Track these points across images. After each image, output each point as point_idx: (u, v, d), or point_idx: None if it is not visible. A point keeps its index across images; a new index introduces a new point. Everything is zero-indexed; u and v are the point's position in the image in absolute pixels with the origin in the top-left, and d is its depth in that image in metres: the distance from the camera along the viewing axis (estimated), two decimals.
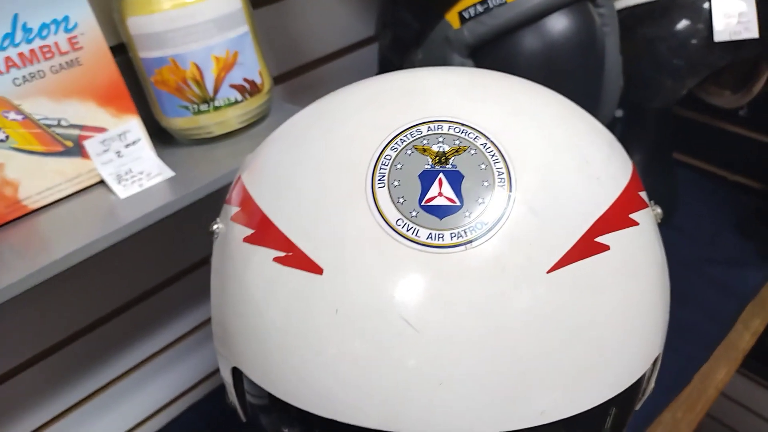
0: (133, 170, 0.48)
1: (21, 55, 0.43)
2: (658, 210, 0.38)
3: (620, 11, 0.74)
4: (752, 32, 0.68)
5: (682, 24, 0.71)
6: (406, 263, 0.28)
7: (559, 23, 0.58)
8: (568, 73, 0.60)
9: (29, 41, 0.43)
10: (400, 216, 0.29)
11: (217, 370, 0.80)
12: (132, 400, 0.72)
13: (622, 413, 0.36)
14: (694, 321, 0.83)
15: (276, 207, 0.32)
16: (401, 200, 0.29)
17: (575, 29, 0.59)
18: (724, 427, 1.35)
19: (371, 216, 0.29)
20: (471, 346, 0.27)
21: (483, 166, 0.29)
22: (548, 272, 0.28)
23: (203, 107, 0.49)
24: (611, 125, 0.71)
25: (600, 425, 0.35)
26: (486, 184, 0.29)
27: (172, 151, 0.52)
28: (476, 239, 0.28)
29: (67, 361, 0.64)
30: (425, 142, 0.30)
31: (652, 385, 0.39)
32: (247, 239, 0.33)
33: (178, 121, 0.50)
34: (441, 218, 0.28)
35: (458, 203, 0.29)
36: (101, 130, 0.48)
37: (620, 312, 0.30)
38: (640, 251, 0.32)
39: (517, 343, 0.28)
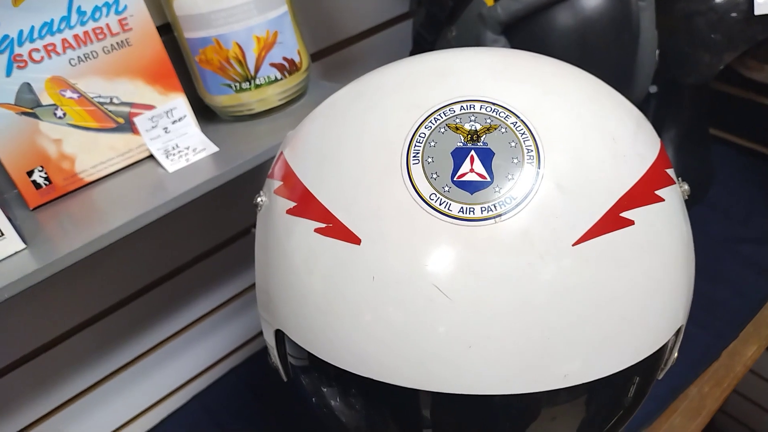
0: (179, 145, 0.51)
1: (76, 36, 0.46)
2: (686, 187, 0.39)
3: None
4: None
5: None
6: (439, 235, 0.30)
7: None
8: (601, 50, 0.60)
9: (83, 24, 0.46)
10: (433, 191, 0.30)
11: (255, 336, 0.84)
12: (177, 362, 0.76)
13: (644, 382, 0.38)
14: (724, 298, 0.83)
15: (317, 181, 0.34)
16: (435, 176, 0.31)
17: (610, 5, 0.59)
18: (750, 404, 1.35)
19: (406, 191, 0.31)
20: (498, 314, 0.29)
21: (513, 144, 0.31)
22: (574, 245, 0.30)
23: (245, 85, 0.51)
24: (645, 101, 0.71)
25: (623, 392, 0.36)
26: (516, 161, 0.31)
27: (215, 127, 0.54)
28: (505, 213, 0.30)
29: (118, 324, 0.68)
30: (458, 120, 0.32)
31: (675, 355, 0.41)
32: (290, 211, 0.35)
33: (221, 99, 0.53)
34: (472, 193, 0.30)
35: (489, 179, 0.30)
36: (150, 107, 0.50)
37: (643, 285, 0.32)
38: (664, 227, 0.33)
39: (541, 311, 0.30)
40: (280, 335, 0.38)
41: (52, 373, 0.65)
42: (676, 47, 0.74)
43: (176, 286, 0.71)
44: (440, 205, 0.30)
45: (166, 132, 0.51)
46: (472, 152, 0.31)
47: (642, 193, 0.32)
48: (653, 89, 0.73)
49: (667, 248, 0.33)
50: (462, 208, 0.30)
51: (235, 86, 0.51)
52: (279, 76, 0.52)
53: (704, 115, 0.97)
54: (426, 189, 0.30)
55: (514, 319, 0.29)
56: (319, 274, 0.33)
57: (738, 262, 0.88)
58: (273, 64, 0.51)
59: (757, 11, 0.68)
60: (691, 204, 0.92)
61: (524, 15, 0.58)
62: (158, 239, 0.66)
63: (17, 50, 0.44)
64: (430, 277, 0.30)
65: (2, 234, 0.41)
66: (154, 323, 0.71)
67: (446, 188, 0.30)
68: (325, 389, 0.38)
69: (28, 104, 0.45)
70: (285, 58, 0.52)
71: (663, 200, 0.34)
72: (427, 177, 0.31)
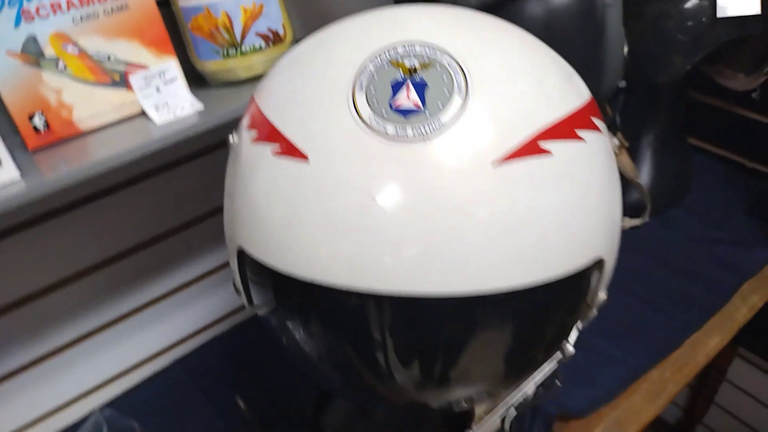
0: (169, 104, 0.55)
1: None
2: (616, 141, 0.43)
3: None
4: (754, 8, 0.72)
5: (688, 1, 0.75)
6: (375, 151, 0.34)
7: None
8: (567, 40, 0.65)
9: None
10: (372, 114, 0.35)
11: (239, 308, 0.88)
12: (162, 326, 0.80)
13: (564, 309, 0.41)
14: (693, 293, 0.86)
15: (276, 112, 0.38)
16: (375, 102, 0.35)
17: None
18: (732, 419, 1.36)
19: (350, 114, 0.35)
20: (423, 220, 0.33)
21: (445, 79, 0.35)
22: (494, 166, 0.34)
23: (231, 52, 0.56)
24: (615, 95, 0.76)
25: (541, 312, 0.40)
26: (446, 92, 0.35)
27: (204, 92, 0.59)
28: (433, 134, 0.34)
29: (109, 280, 0.72)
30: (399, 58, 0.36)
31: (601, 297, 0.44)
32: (254, 140, 0.39)
33: (210, 65, 0.58)
34: (406, 117, 0.34)
35: (421, 107, 0.35)
36: (144, 67, 0.55)
37: (556, 209, 0.36)
38: (583, 164, 0.37)
39: (461, 221, 0.33)
40: (241, 257, 0.42)
41: (41, 322, 0.69)
42: (648, 48, 0.78)
43: (166, 250, 0.75)
44: (377, 126, 0.34)
45: (157, 91, 0.56)
46: (409, 84, 0.35)
47: (562, 130, 0.37)
48: (622, 84, 0.77)
49: (585, 183, 0.37)
50: (396, 129, 0.34)
51: (223, 52, 0.56)
52: (263, 45, 0.57)
53: (682, 121, 1.01)
54: (366, 113, 0.35)
55: (437, 226, 0.33)
56: (273, 189, 0.37)
57: (710, 261, 0.91)
58: (258, 34, 0.56)
59: (719, 14, 0.73)
60: (671, 206, 0.96)
61: (495, 3, 0.63)
62: (151, 201, 0.71)
63: (26, 5, 0.49)
64: (365, 187, 0.34)
65: (0, 163, 0.46)
66: (142, 284, 0.76)
67: (384, 113, 0.35)
68: (279, 304, 0.42)
69: (33, 55, 0.50)
70: (270, 29, 0.57)
71: (584, 141, 0.38)
72: (368, 103, 0.35)
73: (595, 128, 0.40)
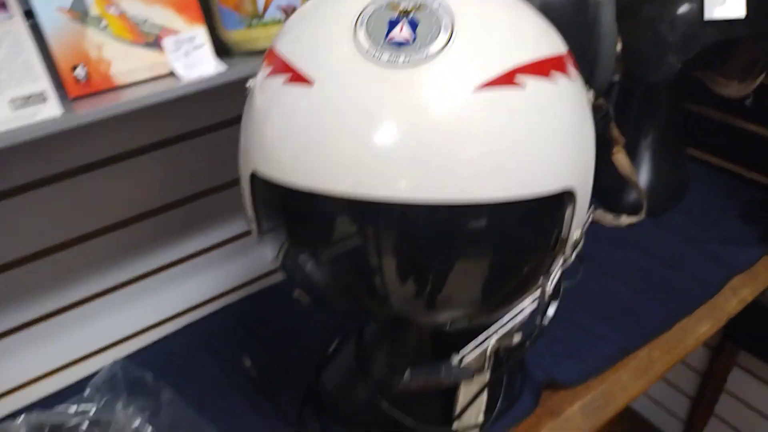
0: (196, 65, 0.62)
1: None
2: (591, 95, 0.48)
3: None
4: (739, 12, 0.77)
5: (679, 4, 0.80)
6: (371, 75, 0.40)
7: None
8: (561, 34, 0.71)
9: None
10: (371, 45, 0.40)
11: (252, 280, 0.93)
12: (177, 290, 0.85)
13: (540, 239, 0.46)
14: (684, 284, 0.90)
15: (288, 48, 0.44)
16: (373, 36, 0.41)
17: None
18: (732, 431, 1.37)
19: (351, 46, 0.41)
20: (413, 133, 0.39)
21: (434, 19, 0.41)
22: (474, 91, 0.39)
23: (255, 22, 0.63)
24: (609, 88, 0.81)
25: (518, 234, 0.45)
26: (435, 30, 0.41)
27: (228, 60, 0.66)
28: (421, 62, 0.39)
29: (131, 239, 0.78)
30: (397, 2, 0.42)
31: (576, 235, 0.49)
32: (268, 75, 0.45)
33: (234, 34, 0.64)
34: (399, 48, 0.40)
35: (411, 41, 0.40)
36: (176, 32, 0.62)
37: (529, 135, 0.41)
38: (553, 101, 0.43)
39: (444, 134, 0.39)
40: (253, 181, 0.47)
41: (68, 272, 0.75)
42: (642, 47, 0.84)
43: (187, 214, 0.81)
44: (374, 56, 0.40)
45: (186, 55, 0.62)
46: (403, 22, 0.41)
47: (537, 69, 0.42)
48: (616, 78, 0.82)
49: (555, 118, 0.42)
50: (390, 57, 0.40)
51: (247, 22, 0.63)
52: (283, 17, 0.63)
53: (679, 129, 1.06)
54: (365, 44, 0.41)
55: (423, 138, 0.39)
56: (283, 112, 0.42)
57: (703, 257, 0.94)
58: (279, 7, 0.63)
59: (707, 17, 0.78)
60: (667, 209, 1.01)
61: None
62: (174, 167, 0.77)
63: None
64: (362, 105, 0.39)
65: (45, 99, 0.52)
66: (162, 245, 0.81)
67: (380, 44, 0.40)
68: (286, 219, 0.47)
69: (79, 12, 0.57)
70: (289, 4, 0.63)
71: (556, 83, 0.43)
72: (368, 36, 0.41)
73: (567, 76, 0.45)
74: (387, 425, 0.68)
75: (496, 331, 0.51)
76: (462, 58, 0.40)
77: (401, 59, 0.39)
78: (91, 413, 0.68)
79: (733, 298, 0.90)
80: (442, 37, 0.40)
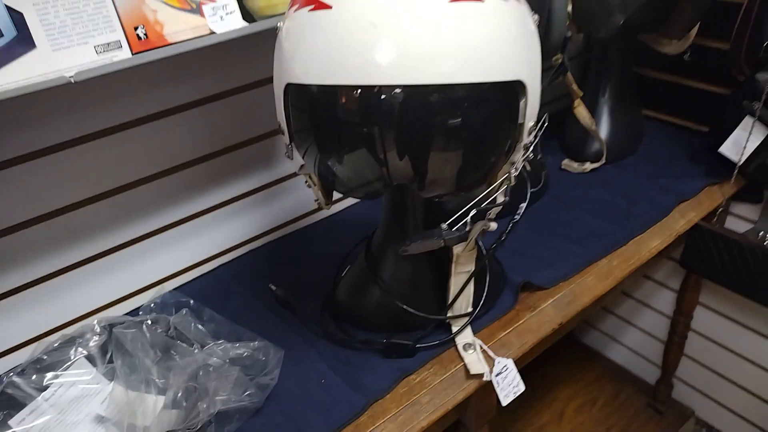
0: (228, 26, 0.78)
1: None
2: (536, 17, 0.64)
3: None
4: None
5: None
6: None
7: None
8: None
9: None
10: None
11: (275, 228, 1.08)
12: (209, 234, 1.00)
13: (501, 121, 0.62)
14: (641, 210, 1.06)
15: None
16: None
17: None
18: (702, 368, 1.51)
19: None
20: (406, 34, 0.55)
21: None
22: (450, 2, 0.55)
23: None
24: (564, 43, 0.98)
25: (482, 113, 0.60)
26: None
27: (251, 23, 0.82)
28: None
29: (167, 188, 0.93)
30: None
31: (530, 123, 0.65)
32: (296, 9, 0.61)
33: (258, 2, 0.80)
34: None
35: None
36: (213, 0, 0.78)
37: (488, 34, 0.57)
38: (504, 13, 0.59)
39: (427, 34, 0.55)
40: (286, 93, 0.63)
41: (126, 212, 0.90)
42: (590, 8, 1.01)
43: (217, 167, 0.97)
44: None
45: (221, 19, 0.78)
46: None
47: None
48: (569, 34, 0.99)
49: (506, 26, 0.59)
50: None
51: None
52: None
53: (631, 87, 1.23)
54: None
55: (412, 38, 0.55)
56: (309, 31, 0.58)
57: (655, 189, 1.11)
58: None
59: None
60: (624, 155, 1.18)
61: None
62: (209, 122, 0.93)
63: None
64: (367, 17, 0.55)
65: (121, 46, 0.68)
66: (196, 194, 0.96)
67: None
68: (312, 114, 0.62)
69: None
70: None
71: (507, 2, 0.59)
72: None
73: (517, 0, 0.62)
74: (392, 320, 0.84)
75: (473, 203, 0.67)
76: None
77: None
78: (149, 318, 0.82)
79: (681, 219, 1.06)
80: None
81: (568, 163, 1.19)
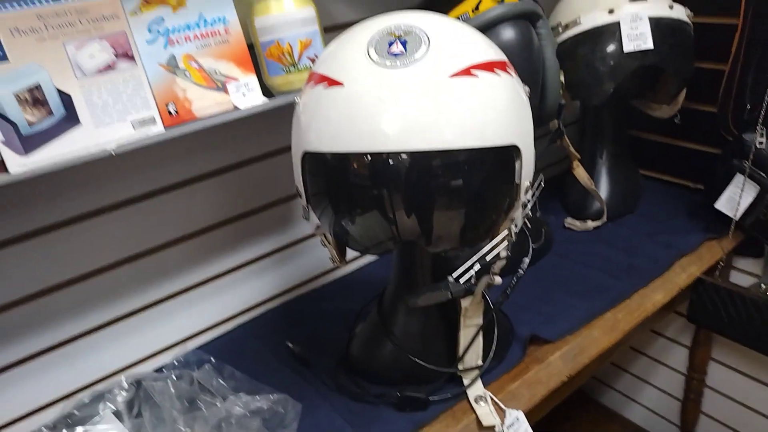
0: (250, 102, 0.86)
1: (202, 33, 0.83)
2: (527, 88, 0.71)
3: (564, 41, 1.10)
4: (648, 44, 1.02)
5: (605, 43, 1.06)
6: (380, 74, 0.63)
7: (507, 31, 0.94)
8: (516, 65, 0.95)
9: (205, 26, 0.83)
10: (378, 57, 0.64)
11: (287, 290, 1.13)
12: (227, 296, 1.05)
13: (500, 182, 0.68)
14: (642, 265, 1.10)
15: (324, 66, 0.68)
16: (379, 52, 0.64)
17: (518, 36, 0.94)
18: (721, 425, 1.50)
19: (367, 58, 0.64)
20: (408, 103, 0.62)
21: (417, 39, 0.65)
22: (449, 78, 0.63)
23: (291, 69, 0.87)
24: (559, 109, 1.05)
25: (482, 174, 0.66)
26: (418, 44, 0.64)
27: (271, 98, 0.90)
28: (411, 63, 0.63)
29: (192, 250, 0.99)
30: (392, 30, 0.66)
31: (526, 183, 0.70)
32: (311, 87, 0.69)
33: (276, 79, 0.89)
34: (395, 57, 0.64)
35: (404, 52, 0.64)
36: (236, 79, 0.86)
37: (483, 105, 0.64)
38: (497, 87, 0.65)
39: (430, 104, 0.62)
40: (303, 160, 0.69)
41: (140, 280, 0.96)
42: (580, 78, 1.09)
43: (231, 232, 1.03)
44: (380, 62, 0.64)
45: (243, 96, 0.86)
46: (397, 41, 0.65)
47: (486, 67, 0.65)
48: (563, 102, 1.06)
49: (499, 98, 0.65)
50: (390, 62, 0.63)
51: (286, 69, 0.87)
52: (311, 64, 0.88)
53: (627, 149, 1.30)
54: (375, 56, 0.64)
55: (415, 109, 0.62)
56: (324, 105, 0.66)
57: (655, 244, 1.15)
58: (308, 57, 0.88)
59: (626, 50, 1.04)
60: (624, 214, 1.25)
61: None
62: (230, 189, 1.00)
63: (171, 36, 0.81)
64: (375, 93, 0.62)
65: (155, 122, 0.76)
66: (214, 258, 1.02)
67: (384, 56, 0.64)
68: (327, 179, 0.69)
69: (171, 66, 0.81)
70: (315, 55, 0.88)
71: (499, 76, 0.66)
72: (376, 52, 0.64)
73: (508, 74, 0.69)
74: (405, 373, 0.87)
75: (478, 257, 0.72)
76: (436, 60, 0.63)
77: (398, 63, 0.63)
78: (173, 374, 0.87)
79: (682, 273, 1.09)
80: (423, 49, 0.64)
81: (571, 222, 1.25)
